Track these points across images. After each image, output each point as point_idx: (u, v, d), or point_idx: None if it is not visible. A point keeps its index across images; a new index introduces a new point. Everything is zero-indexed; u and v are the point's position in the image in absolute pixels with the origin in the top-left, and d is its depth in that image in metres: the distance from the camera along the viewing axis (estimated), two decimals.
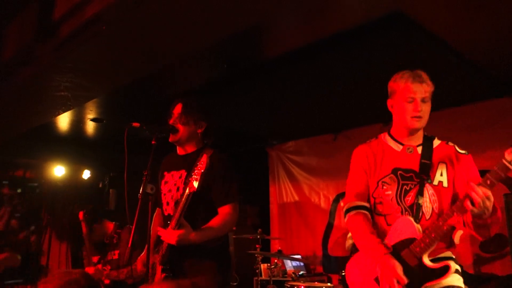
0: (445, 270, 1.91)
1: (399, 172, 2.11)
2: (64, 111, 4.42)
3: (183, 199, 2.37)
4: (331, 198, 5.88)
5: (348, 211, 2.19)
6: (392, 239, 2.02)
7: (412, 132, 2.16)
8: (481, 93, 4.57)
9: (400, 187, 2.08)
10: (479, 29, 3.15)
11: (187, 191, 2.35)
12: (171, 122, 2.68)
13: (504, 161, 1.75)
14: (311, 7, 2.84)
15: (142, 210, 2.52)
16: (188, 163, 2.63)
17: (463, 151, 2.13)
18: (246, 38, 3.28)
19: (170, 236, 2.37)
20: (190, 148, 2.73)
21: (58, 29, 2.93)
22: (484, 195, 1.76)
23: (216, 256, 2.56)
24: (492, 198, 1.79)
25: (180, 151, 2.78)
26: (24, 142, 5.80)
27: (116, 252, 3.76)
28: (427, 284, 1.92)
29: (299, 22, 3.16)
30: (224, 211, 2.56)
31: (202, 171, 2.33)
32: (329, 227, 5.82)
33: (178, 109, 2.69)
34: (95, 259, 3.78)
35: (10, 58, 3.31)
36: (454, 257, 2.06)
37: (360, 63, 4.02)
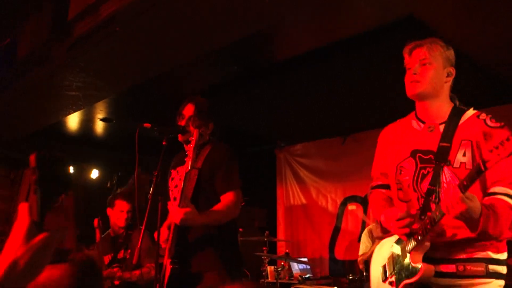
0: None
1: (418, 154, 1.87)
2: (74, 111, 4.46)
3: (181, 184, 2.41)
4: (339, 202, 5.87)
5: (369, 193, 2.09)
6: None
7: (418, 101, 1.94)
8: (494, 99, 4.55)
9: (417, 172, 1.85)
10: (491, 34, 3.14)
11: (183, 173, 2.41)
12: (182, 123, 2.70)
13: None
14: (325, 11, 2.85)
15: (151, 209, 2.55)
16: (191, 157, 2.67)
17: (494, 125, 1.78)
18: (258, 40, 3.30)
19: (176, 213, 2.35)
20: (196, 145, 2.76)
21: (72, 29, 2.97)
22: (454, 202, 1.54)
23: (225, 252, 2.57)
24: (468, 204, 1.54)
25: (187, 149, 2.80)
26: (34, 140, 5.85)
27: (129, 251, 3.77)
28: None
29: (312, 26, 3.17)
30: (227, 198, 2.56)
31: (193, 147, 2.36)
32: (336, 230, 5.81)
33: (188, 110, 2.70)
34: (106, 259, 3.79)
35: (24, 57, 3.35)
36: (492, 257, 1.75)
37: (370, 66, 4.02)
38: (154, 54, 3.15)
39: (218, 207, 2.53)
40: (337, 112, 5.16)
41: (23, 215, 0.88)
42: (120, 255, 3.78)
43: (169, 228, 2.59)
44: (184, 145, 2.79)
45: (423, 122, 1.94)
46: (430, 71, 1.87)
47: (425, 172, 1.83)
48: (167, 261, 2.56)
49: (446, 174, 1.78)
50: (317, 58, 3.79)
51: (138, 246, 2.53)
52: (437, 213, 1.67)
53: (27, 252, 0.85)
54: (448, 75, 1.92)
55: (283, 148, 6.55)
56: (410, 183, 1.86)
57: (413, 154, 1.89)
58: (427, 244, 1.77)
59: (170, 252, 2.53)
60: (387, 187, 2.01)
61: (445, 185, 1.76)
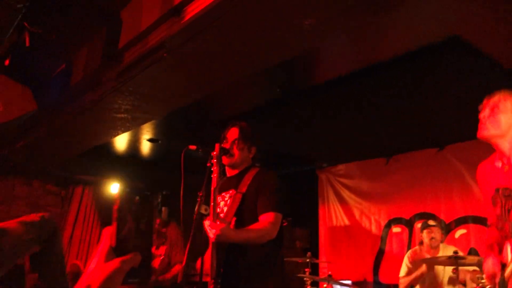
0: None
1: (500, 191, 2.09)
2: (123, 132, 4.64)
3: (231, 205, 2.50)
4: (383, 223, 5.75)
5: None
6: None
7: (489, 143, 2.15)
8: None
9: (503, 207, 2.07)
10: None
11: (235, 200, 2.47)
12: (227, 146, 2.76)
13: None
14: (367, 32, 2.87)
15: (196, 230, 2.60)
16: (236, 182, 2.71)
17: None
18: (300, 62, 3.34)
19: (211, 229, 2.37)
20: (240, 169, 2.81)
21: (122, 56, 3.12)
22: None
23: (272, 276, 2.58)
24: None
25: (229, 172, 2.85)
26: (84, 160, 6.10)
27: (162, 247, 3.85)
28: None
29: (354, 48, 3.19)
30: (265, 219, 2.56)
31: (249, 182, 2.43)
32: (381, 253, 5.68)
33: (233, 134, 2.77)
34: None
35: (78, 82, 3.54)
36: None
37: (413, 87, 3.98)
38: (198, 79, 3.26)
39: (254, 226, 2.54)
40: (380, 132, 5.10)
41: (106, 239, 0.97)
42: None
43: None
44: (227, 168, 2.85)
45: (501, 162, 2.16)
46: (496, 117, 2.11)
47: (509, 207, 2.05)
48: (210, 282, 2.59)
49: None
50: (360, 78, 3.78)
51: (183, 264, 2.60)
52: None
53: (99, 277, 0.92)
54: None
55: (325, 169, 6.52)
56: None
57: (497, 191, 2.11)
58: None
59: (212, 273, 2.57)
60: None
61: None
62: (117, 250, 0.97)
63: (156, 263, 3.87)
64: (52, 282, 1.88)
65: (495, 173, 2.14)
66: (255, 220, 2.56)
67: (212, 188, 2.56)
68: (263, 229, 2.51)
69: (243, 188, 2.67)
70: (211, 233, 2.37)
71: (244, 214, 2.57)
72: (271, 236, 2.55)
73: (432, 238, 4.31)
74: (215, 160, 2.58)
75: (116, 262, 0.95)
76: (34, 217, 1.73)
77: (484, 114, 2.12)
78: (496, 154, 2.18)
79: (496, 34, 2.88)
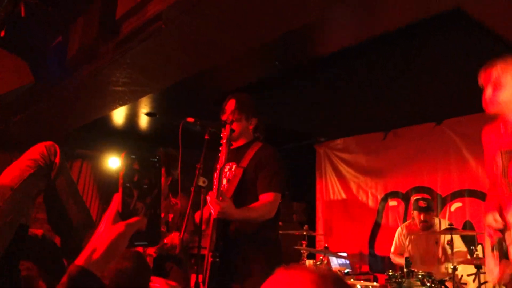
0: None
1: (503, 153, 2.21)
2: (121, 105, 4.62)
3: (233, 182, 2.51)
4: (379, 197, 5.82)
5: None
6: None
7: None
8: None
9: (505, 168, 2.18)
10: None
11: (233, 168, 2.45)
12: (223, 118, 2.77)
13: None
14: (369, 3, 2.84)
15: (194, 202, 2.63)
16: (238, 156, 2.73)
17: None
18: (299, 36, 3.31)
19: (214, 205, 2.42)
20: (241, 142, 2.81)
21: (120, 27, 3.07)
22: None
23: (267, 248, 2.63)
24: None
25: (232, 144, 2.87)
26: (82, 134, 6.10)
27: (170, 215, 3.92)
28: None
29: (354, 20, 3.16)
30: (265, 198, 2.60)
31: (250, 158, 2.47)
32: (377, 226, 5.76)
33: (230, 105, 2.77)
34: None
35: (74, 55, 3.50)
36: None
37: (412, 60, 3.96)
38: (197, 51, 3.23)
39: (254, 205, 2.57)
40: (378, 107, 5.10)
41: (113, 204, 1.00)
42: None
43: (208, 222, 2.67)
44: (232, 142, 2.85)
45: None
46: (497, 93, 2.19)
47: None
48: (208, 254, 2.64)
49: None
50: (358, 53, 3.76)
51: (181, 236, 2.63)
52: None
53: (104, 241, 0.95)
54: None
55: (323, 143, 6.54)
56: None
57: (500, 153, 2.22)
58: None
59: (211, 246, 2.61)
60: None
61: None
62: (123, 215, 1.00)
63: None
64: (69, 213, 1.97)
65: (498, 136, 2.25)
66: (255, 195, 2.60)
67: (218, 167, 2.58)
68: (263, 208, 2.55)
69: (244, 162, 2.68)
70: (213, 210, 2.41)
71: (244, 189, 2.60)
72: (270, 216, 2.61)
73: (422, 221, 4.36)
74: (224, 141, 2.58)
75: (121, 226, 0.98)
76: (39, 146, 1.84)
77: (488, 92, 2.21)
78: (500, 120, 2.27)
79: (498, 6, 2.85)
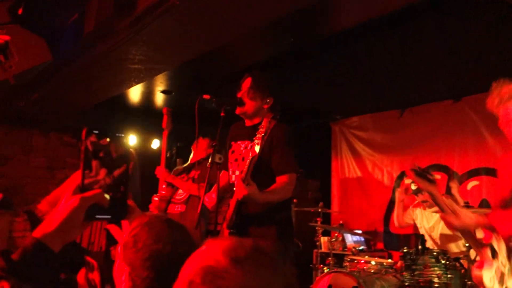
0: None
1: None
2: (137, 83, 4.65)
3: (247, 163, 2.51)
4: (395, 175, 5.80)
5: None
6: None
7: None
8: None
9: None
10: None
11: (250, 155, 2.48)
12: (239, 95, 2.77)
13: None
14: None
15: (211, 179, 2.67)
16: (253, 134, 2.74)
17: None
18: (315, 11, 3.27)
19: (241, 189, 2.46)
20: (257, 120, 2.82)
21: (135, 4, 3.08)
22: None
23: (279, 224, 2.67)
24: None
25: (247, 122, 2.88)
26: (99, 112, 6.17)
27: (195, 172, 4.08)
28: None
29: None
30: (283, 180, 2.65)
31: (262, 134, 2.44)
32: (392, 204, 5.75)
33: (247, 83, 2.77)
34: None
35: (90, 32, 3.52)
36: None
37: (429, 37, 3.88)
38: (212, 27, 3.22)
39: (274, 188, 2.62)
40: (395, 84, 5.04)
41: (74, 179, 1.02)
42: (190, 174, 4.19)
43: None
44: (245, 119, 2.86)
45: None
46: None
47: None
48: (225, 229, 2.69)
49: None
50: (375, 28, 3.70)
51: (198, 212, 2.68)
52: None
53: (60, 214, 0.97)
54: None
55: (339, 121, 6.51)
56: None
57: None
58: None
59: (230, 222, 2.66)
60: None
61: None
62: (82, 189, 1.01)
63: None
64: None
65: None
66: (270, 175, 2.66)
67: (247, 156, 2.60)
68: (283, 191, 2.63)
69: (258, 142, 2.69)
70: (240, 194, 2.46)
71: (260, 169, 2.61)
72: (288, 196, 2.69)
73: (424, 201, 4.40)
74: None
75: (75, 199, 0.99)
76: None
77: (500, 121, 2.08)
78: None
79: None
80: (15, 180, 6.64)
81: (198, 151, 4.44)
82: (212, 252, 0.79)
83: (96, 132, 1.03)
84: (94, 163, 1.02)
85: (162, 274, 1.20)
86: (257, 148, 2.47)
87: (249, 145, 2.74)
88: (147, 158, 7.18)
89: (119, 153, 1.06)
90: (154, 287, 1.20)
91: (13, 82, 3.08)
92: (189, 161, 4.55)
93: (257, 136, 2.51)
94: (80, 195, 0.99)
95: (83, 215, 0.99)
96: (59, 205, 0.99)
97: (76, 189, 1.01)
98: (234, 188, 2.61)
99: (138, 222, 1.29)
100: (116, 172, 1.05)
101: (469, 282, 3.54)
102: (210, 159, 2.57)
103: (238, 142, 2.85)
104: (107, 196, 1.03)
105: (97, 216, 1.02)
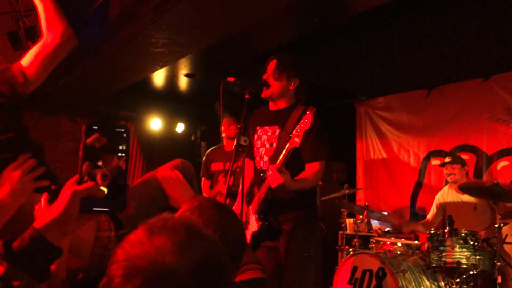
0: None
1: None
2: (161, 67, 4.68)
3: (284, 153, 2.49)
4: (422, 156, 5.70)
5: None
6: None
7: None
8: None
9: None
10: None
11: (287, 146, 2.46)
12: (264, 77, 2.76)
13: None
14: None
15: (235, 161, 2.68)
16: (281, 119, 2.73)
17: None
18: None
19: (276, 177, 2.46)
20: (282, 104, 2.80)
21: None
22: None
23: (306, 209, 2.68)
24: None
25: (272, 106, 2.86)
26: (125, 96, 6.25)
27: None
28: None
29: None
30: (312, 167, 2.65)
31: (306, 129, 2.41)
32: (418, 185, 5.68)
33: (272, 65, 2.75)
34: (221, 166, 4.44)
35: (115, 18, 3.55)
36: None
37: (456, 16, 3.77)
38: (236, 9, 3.20)
39: (306, 175, 2.62)
40: (421, 62, 4.93)
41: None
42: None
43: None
44: (269, 101, 2.85)
45: None
46: None
47: None
48: (253, 216, 2.71)
49: None
50: (400, 7, 3.62)
51: (224, 193, 2.71)
52: None
53: (58, 206, 1.03)
54: None
55: (364, 102, 6.41)
56: None
57: None
58: None
59: (258, 208, 2.68)
60: None
61: None
62: (79, 182, 1.04)
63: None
64: None
65: None
66: (300, 161, 2.66)
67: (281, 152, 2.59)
68: (314, 178, 2.65)
69: (290, 127, 2.67)
70: (274, 181, 2.46)
71: (290, 155, 2.61)
72: (317, 183, 2.73)
73: (450, 174, 4.41)
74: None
75: (70, 191, 1.01)
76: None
77: None
78: None
79: None
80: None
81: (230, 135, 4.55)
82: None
83: (95, 127, 1.05)
84: (94, 156, 1.05)
85: None
86: (297, 139, 2.44)
87: (278, 131, 2.73)
88: (173, 142, 7.28)
89: (116, 146, 1.07)
90: None
91: None
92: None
93: (298, 126, 2.46)
94: (73, 188, 1.02)
95: (77, 207, 1.01)
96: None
97: (75, 181, 1.04)
98: (263, 175, 2.63)
99: (188, 205, 1.30)
100: (114, 163, 1.07)
101: (499, 263, 3.49)
102: (235, 141, 2.58)
103: (265, 127, 2.84)
104: (104, 188, 1.04)
105: (94, 209, 1.04)
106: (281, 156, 2.51)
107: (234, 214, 1.37)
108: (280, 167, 2.48)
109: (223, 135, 4.63)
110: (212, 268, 0.80)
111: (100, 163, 1.05)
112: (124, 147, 1.08)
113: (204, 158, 4.88)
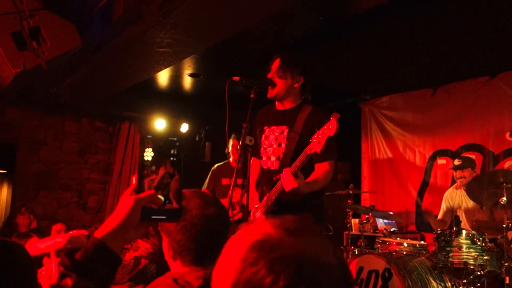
0: None
1: None
2: (165, 67, 4.66)
3: (302, 157, 2.48)
4: (427, 155, 5.67)
5: None
6: None
7: None
8: None
9: None
10: None
11: (308, 151, 2.44)
12: (269, 76, 2.74)
13: None
14: None
15: (241, 161, 2.66)
16: (289, 119, 2.71)
17: None
18: None
19: (290, 181, 2.44)
20: (289, 104, 2.78)
21: None
22: None
23: (314, 210, 2.67)
24: None
25: (278, 106, 2.84)
26: (129, 97, 6.24)
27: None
28: None
29: None
30: (323, 167, 2.63)
31: (330, 136, 2.37)
32: (424, 184, 5.65)
33: (276, 63, 2.73)
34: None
35: (119, 17, 3.54)
36: None
37: (462, 13, 3.73)
38: (240, 8, 3.18)
39: (317, 176, 2.61)
40: (426, 61, 4.89)
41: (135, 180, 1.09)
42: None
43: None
44: (275, 101, 2.83)
45: None
46: None
47: None
48: (261, 217, 2.69)
49: None
50: (405, 5, 3.58)
51: (230, 194, 2.69)
52: None
53: (118, 215, 1.06)
54: None
55: (368, 101, 6.39)
56: None
57: None
58: None
59: (268, 209, 2.66)
60: None
61: None
62: (137, 190, 1.07)
63: None
64: None
65: None
66: (309, 161, 2.61)
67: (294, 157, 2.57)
68: (324, 179, 2.64)
69: (298, 127, 2.66)
70: (288, 185, 2.44)
71: (298, 154, 2.58)
72: (327, 183, 2.70)
73: (460, 177, 4.44)
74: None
75: (130, 200, 1.04)
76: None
77: None
78: None
79: None
80: (50, 165, 6.83)
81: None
82: (260, 229, 0.78)
83: (150, 136, 1.10)
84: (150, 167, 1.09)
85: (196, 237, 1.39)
86: (319, 145, 2.41)
87: (286, 131, 2.71)
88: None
89: (171, 156, 1.11)
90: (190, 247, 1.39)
91: (46, 68, 3.13)
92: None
93: (321, 132, 2.42)
94: (135, 196, 1.02)
95: (139, 215, 1.02)
96: (117, 207, 1.03)
97: (133, 190, 1.05)
98: (275, 177, 2.61)
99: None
100: (169, 172, 1.11)
101: (506, 264, 3.45)
102: (240, 141, 2.56)
103: (273, 127, 2.83)
104: (161, 197, 1.06)
105: (153, 217, 1.06)
106: (297, 160, 2.48)
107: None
108: (296, 171, 2.45)
109: (231, 159, 4.74)
110: None
111: (155, 172, 1.08)
112: (177, 157, 1.11)
113: (210, 173, 4.89)
